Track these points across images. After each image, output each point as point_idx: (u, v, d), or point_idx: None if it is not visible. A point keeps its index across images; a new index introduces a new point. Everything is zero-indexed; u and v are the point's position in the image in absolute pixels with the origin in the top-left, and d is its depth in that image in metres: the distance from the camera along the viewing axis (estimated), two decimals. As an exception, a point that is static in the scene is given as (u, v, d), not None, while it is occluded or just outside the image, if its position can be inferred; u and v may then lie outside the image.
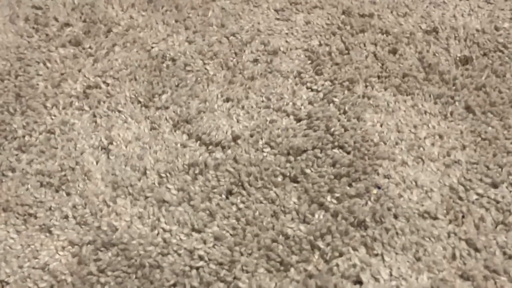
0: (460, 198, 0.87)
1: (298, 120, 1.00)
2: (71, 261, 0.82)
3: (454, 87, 1.04)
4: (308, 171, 0.91)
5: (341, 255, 0.81)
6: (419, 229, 0.83)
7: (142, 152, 0.95)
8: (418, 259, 0.80)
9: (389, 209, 0.85)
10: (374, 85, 1.05)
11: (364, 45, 1.13)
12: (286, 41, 1.14)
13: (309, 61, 1.10)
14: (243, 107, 1.02)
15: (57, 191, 0.90)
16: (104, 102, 1.03)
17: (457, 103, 1.01)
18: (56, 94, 1.05)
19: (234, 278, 0.79)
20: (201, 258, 0.81)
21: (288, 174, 0.91)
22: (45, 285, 0.80)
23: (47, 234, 0.85)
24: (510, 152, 0.93)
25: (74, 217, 0.87)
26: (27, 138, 0.98)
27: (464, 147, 0.94)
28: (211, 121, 1.00)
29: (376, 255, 0.81)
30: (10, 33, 1.16)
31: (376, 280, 0.78)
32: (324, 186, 0.88)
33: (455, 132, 0.97)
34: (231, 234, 0.84)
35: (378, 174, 0.90)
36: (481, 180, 0.89)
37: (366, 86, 1.05)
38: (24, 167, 0.93)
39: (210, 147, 0.96)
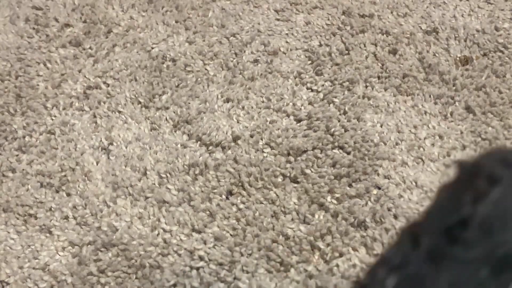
0: (460, 199, 0.87)
1: (298, 120, 1.00)
2: (71, 262, 0.82)
3: (454, 88, 1.04)
4: (308, 171, 0.91)
5: (341, 255, 0.81)
6: (419, 229, 0.83)
7: (142, 152, 0.95)
8: (418, 260, 0.80)
9: (389, 209, 0.85)
10: (374, 86, 1.05)
11: (364, 46, 1.13)
12: (286, 42, 1.14)
13: (309, 62, 1.10)
14: (243, 108, 1.02)
15: (57, 191, 0.90)
16: (104, 102, 1.03)
17: (457, 104, 1.01)
18: (56, 94, 1.05)
19: (234, 278, 0.79)
20: (201, 258, 0.81)
21: (288, 174, 0.91)
22: (45, 286, 0.80)
23: (47, 235, 0.85)
24: (510, 152, 0.93)
25: (75, 218, 0.87)
26: (27, 138, 0.98)
27: (464, 148, 0.94)
28: (211, 121, 1.00)
29: (376, 255, 0.81)
30: (10, 33, 1.16)
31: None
32: (324, 187, 0.88)
33: (455, 132, 0.97)
34: (231, 235, 0.84)
35: (378, 174, 0.90)
36: (481, 180, 0.89)
37: (366, 87, 1.05)
38: (24, 167, 0.93)
39: (210, 147, 0.96)
